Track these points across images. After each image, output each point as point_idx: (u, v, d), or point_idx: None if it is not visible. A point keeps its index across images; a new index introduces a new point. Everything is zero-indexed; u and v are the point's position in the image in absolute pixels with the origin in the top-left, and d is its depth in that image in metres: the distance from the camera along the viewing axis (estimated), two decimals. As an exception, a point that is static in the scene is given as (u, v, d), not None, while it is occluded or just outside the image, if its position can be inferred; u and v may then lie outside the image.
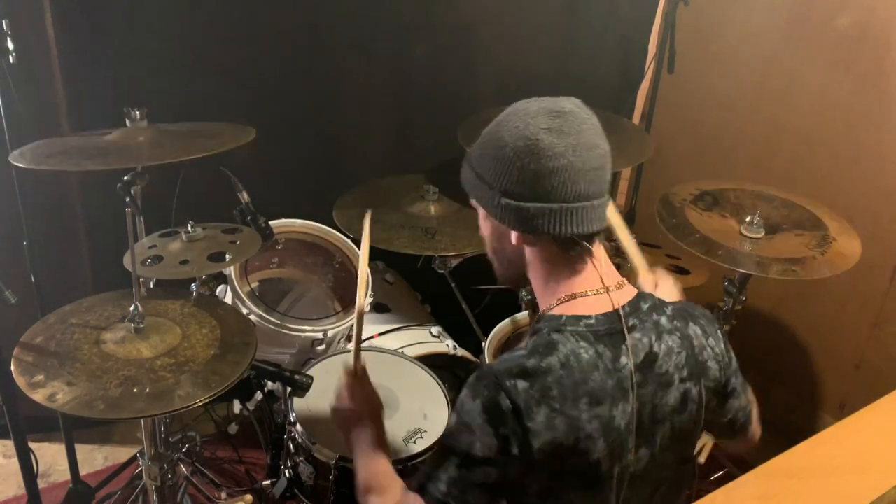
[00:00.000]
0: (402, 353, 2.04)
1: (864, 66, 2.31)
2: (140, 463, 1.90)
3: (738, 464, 2.30)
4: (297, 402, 1.79)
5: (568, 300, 1.11)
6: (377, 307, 2.34)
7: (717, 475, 2.27)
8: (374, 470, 1.23)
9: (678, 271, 2.15)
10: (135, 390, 1.38)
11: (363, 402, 1.34)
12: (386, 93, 2.56)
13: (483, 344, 2.14)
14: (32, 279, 1.81)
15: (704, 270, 2.19)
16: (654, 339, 1.10)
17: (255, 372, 1.74)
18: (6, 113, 1.61)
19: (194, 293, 1.81)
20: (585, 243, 1.10)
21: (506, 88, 2.65)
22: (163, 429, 1.82)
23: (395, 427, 1.74)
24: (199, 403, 1.39)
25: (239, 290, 2.05)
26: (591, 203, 1.06)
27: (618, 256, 2.22)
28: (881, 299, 2.38)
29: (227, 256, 1.73)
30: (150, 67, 2.13)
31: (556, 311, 1.11)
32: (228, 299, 2.09)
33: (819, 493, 1.15)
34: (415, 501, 1.08)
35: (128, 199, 1.64)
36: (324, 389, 1.85)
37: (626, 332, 1.07)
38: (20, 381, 1.37)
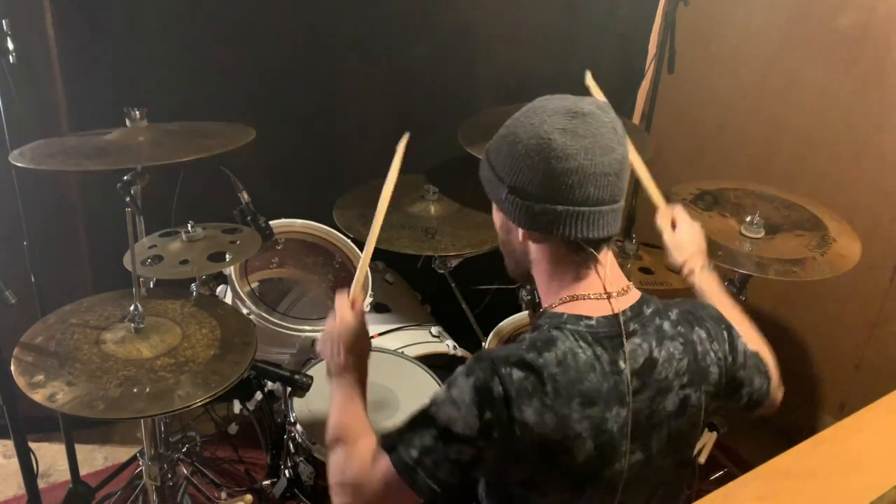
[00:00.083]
0: (402, 353, 2.04)
1: (864, 66, 2.31)
2: (140, 463, 1.90)
3: (738, 464, 2.30)
4: (297, 402, 1.80)
5: (570, 300, 1.11)
6: (377, 307, 2.34)
7: (717, 475, 2.27)
8: (350, 415, 1.19)
9: (678, 271, 2.15)
10: (135, 390, 1.38)
11: (353, 335, 1.25)
12: (386, 93, 2.56)
13: (483, 344, 2.14)
14: (32, 279, 1.81)
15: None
16: (654, 344, 1.09)
17: (255, 372, 1.74)
18: (6, 113, 1.61)
19: (194, 293, 1.81)
20: (591, 249, 1.08)
21: (506, 88, 2.65)
22: (163, 429, 1.82)
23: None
24: (199, 403, 1.39)
25: (239, 289, 2.05)
26: (599, 209, 1.04)
27: (619, 256, 2.23)
28: (881, 299, 2.38)
29: (227, 256, 1.73)
30: (150, 67, 2.13)
31: (558, 309, 1.11)
32: (228, 299, 2.09)
33: (819, 493, 1.15)
34: (382, 463, 1.05)
35: (128, 199, 1.64)
36: (324, 390, 1.86)
37: (624, 337, 1.07)
38: (20, 381, 1.37)
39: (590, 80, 1.35)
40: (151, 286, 1.79)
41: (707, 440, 1.99)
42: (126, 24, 2.12)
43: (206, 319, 1.62)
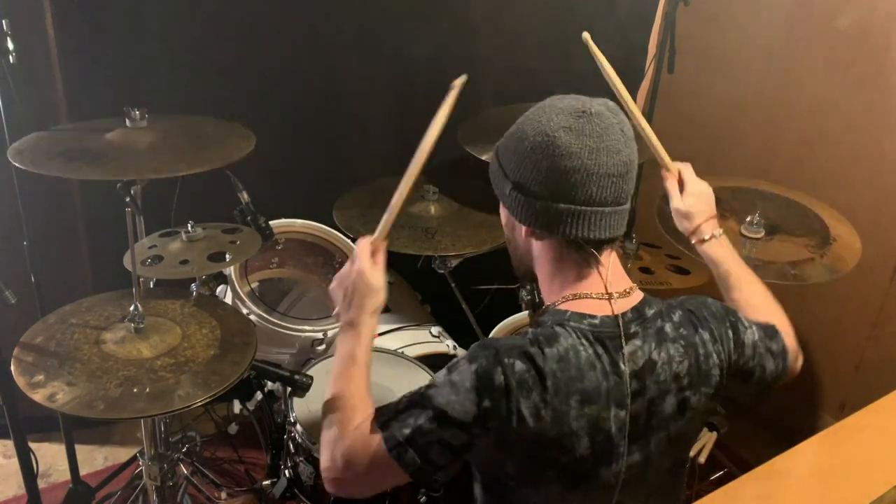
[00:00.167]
0: (402, 353, 2.04)
1: (863, 66, 2.31)
2: (140, 463, 1.90)
3: (738, 464, 2.30)
4: (297, 402, 1.79)
5: (573, 299, 1.11)
6: (377, 307, 2.34)
7: (717, 475, 2.27)
8: (349, 385, 1.16)
9: (678, 271, 2.15)
10: (135, 390, 1.38)
11: (367, 288, 1.18)
12: (386, 93, 2.56)
13: (483, 344, 2.14)
14: (32, 279, 1.81)
15: (705, 270, 2.18)
16: (653, 346, 1.09)
17: (255, 372, 1.74)
18: (6, 113, 1.61)
19: (194, 293, 1.81)
20: (592, 249, 1.08)
21: (506, 88, 2.65)
22: (163, 429, 1.83)
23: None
24: (199, 403, 1.39)
25: (239, 289, 2.05)
26: (601, 210, 1.04)
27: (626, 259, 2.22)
28: (881, 299, 2.38)
29: (227, 256, 1.73)
30: (150, 67, 2.13)
31: (562, 307, 1.10)
32: (228, 299, 2.09)
33: (819, 493, 1.15)
34: (374, 439, 1.05)
35: (128, 199, 1.65)
36: (324, 389, 1.85)
37: (623, 339, 1.07)
38: (20, 381, 1.37)
39: (589, 42, 1.35)
40: (151, 286, 1.79)
41: (707, 440, 1.99)
42: (126, 24, 2.12)
43: (206, 319, 1.62)
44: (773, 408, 2.62)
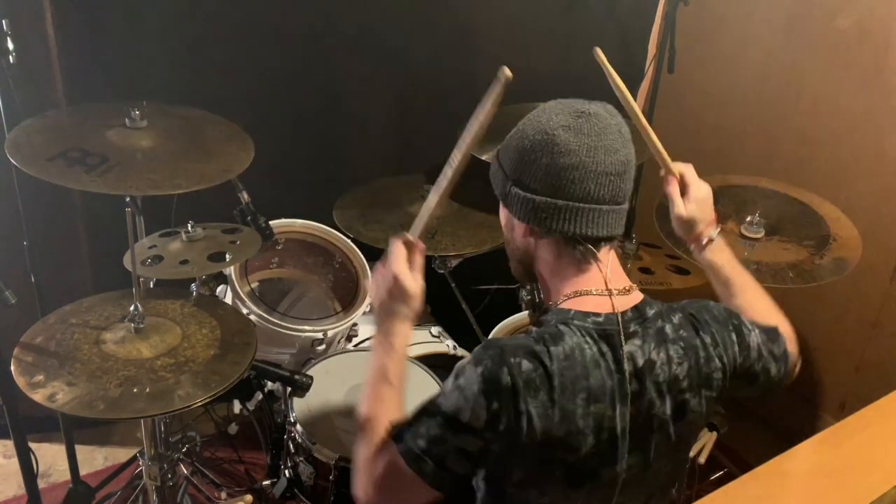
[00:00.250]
0: (402, 353, 2.04)
1: (863, 66, 2.31)
2: (140, 463, 1.90)
3: (738, 464, 2.30)
4: (297, 402, 1.79)
5: (574, 296, 1.11)
6: (377, 307, 2.34)
7: (717, 475, 2.27)
8: (384, 406, 1.12)
9: (678, 271, 2.15)
10: (135, 390, 1.38)
11: (404, 291, 1.15)
12: (386, 93, 2.56)
13: (483, 344, 2.14)
14: (32, 279, 1.81)
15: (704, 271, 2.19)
16: (653, 346, 1.09)
17: (255, 372, 1.74)
18: (6, 113, 1.61)
19: (194, 293, 1.81)
20: (590, 246, 1.09)
21: (506, 88, 2.65)
22: (163, 429, 1.82)
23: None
24: (199, 403, 1.39)
25: (239, 289, 2.05)
26: (599, 207, 1.06)
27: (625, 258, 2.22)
28: (881, 299, 2.38)
29: (227, 256, 1.73)
30: (149, 68, 2.13)
31: (564, 305, 1.11)
32: (228, 299, 2.09)
33: (819, 493, 1.15)
34: (391, 451, 1.04)
35: (128, 200, 1.64)
36: (324, 389, 1.86)
37: (622, 337, 1.07)
38: (20, 381, 1.37)
39: (600, 56, 1.33)
40: (151, 286, 1.79)
41: (707, 440, 1.99)
42: (126, 24, 2.12)
43: (206, 319, 1.62)
44: (773, 408, 2.62)
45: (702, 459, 2.01)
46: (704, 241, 1.34)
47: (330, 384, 1.88)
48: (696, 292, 1.86)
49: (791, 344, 1.27)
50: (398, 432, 1.05)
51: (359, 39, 2.41)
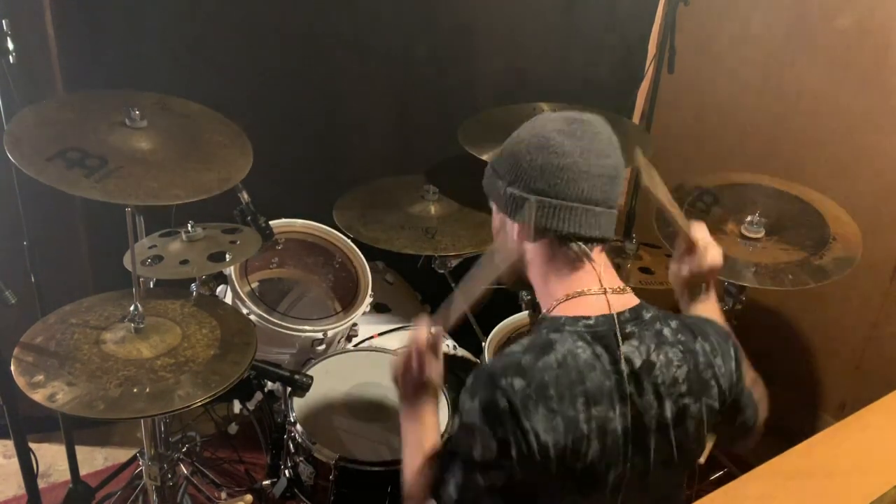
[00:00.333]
0: (402, 353, 2.04)
1: (864, 66, 2.31)
2: (140, 463, 1.90)
3: (738, 464, 2.30)
4: (297, 402, 1.79)
5: (567, 299, 1.11)
6: (377, 307, 2.34)
7: (717, 475, 2.27)
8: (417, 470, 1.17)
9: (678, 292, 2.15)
10: (135, 390, 1.38)
11: (424, 382, 1.21)
12: (386, 93, 2.56)
13: (483, 344, 2.14)
14: (32, 279, 1.81)
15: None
16: (652, 347, 1.09)
17: (255, 372, 1.74)
18: (6, 113, 1.61)
19: (194, 293, 1.81)
20: (584, 246, 1.11)
21: (506, 88, 2.65)
22: (163, 429, 1.82)
23: (395, 427, 1.74)
24: (199, 403, 1.39)
25: (239, 290, 2.05)
26: (592, 208, 1.09)
27: (619, 256, 2.22)
28: (881, 299, 2.38)
29: (228, 256, 1.73)
30: (149, 68, 2.13)
31: (557, 312, 1.11)
32: (228, 299, 2.09)
33: (819, 493, 1.15)
34: None
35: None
36: (324, 389, 1.86)
37: (619, 337, 1.07)
38: (20, 381, 1.37)
39: (641, 159, 1.34)
40: (151, 286, 1.79)
41: (707, 440, 1.99)
42: (126, 24, 2.12)
43: (206, 319, 1.62)
44: (773, 408, 2.62)
45: (702, 459, 2.01)
46: (696, 296, 1.32)
47: (330, 384, 1.88)
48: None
49: (763, 402, 1.26)
50: (433, 490, 1.09)
51: (359, 39, 2.41)
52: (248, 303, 2.03)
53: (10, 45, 1.54)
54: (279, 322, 2.04)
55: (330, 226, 2.25)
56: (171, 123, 1.80)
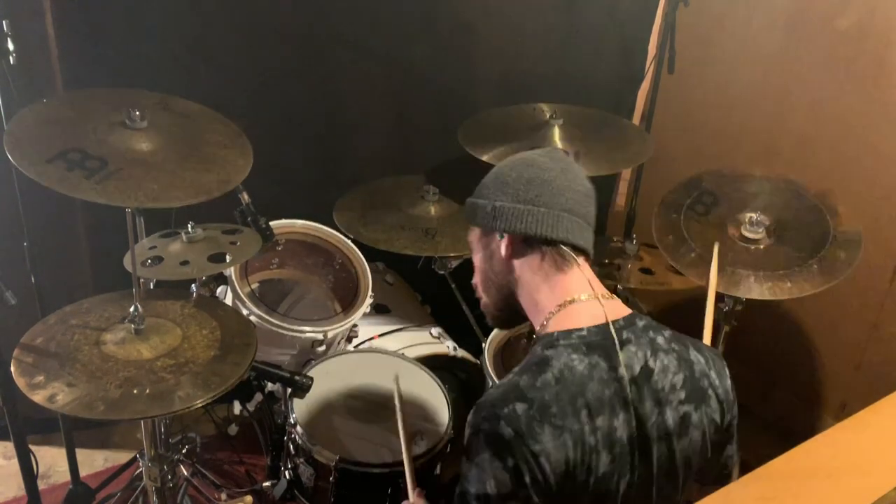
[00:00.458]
0: (403, 354, 2.04)
1: (864, 66, 2.31)
2: (140, 464, 1.90)
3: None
4: (298, 403, 1.79)
5: (559, 310, 1.12)
6: (377, 308, 2.34)
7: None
8: None
9: (678, 272, 2.15)
10: (135, 391, 1.38)
11: None
12: (386, 93, 2.56)
13: (483, 345, 2.14)
14: (32, 280, 1.81)
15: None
16: (648, 354, 1.09)
17: (255, 373, 1.74)
18: (6, 113, 1.61)
19: (194, 294, 1.80)
20: (572, 252, 1.14)
21: (506, 88, 2.65)
22: (163, 430, 1.82)
23: (395, 428, 1.74)
24: (200, 404, 1.39)
25: (239, 290, 2.05)
26: (576, 219, 1.15)
27: (619, 257, 2.22)
28: (881, 299, 2.38)
29: (228, 257, 1.73)
30: (150, 68, 2.13)
31: (550, 328, 1.12)
32: (229, 300, 2.09)
33: (819, 494, 1.15)
34: None
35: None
36: (324, 390, 1.85)
37: (617, 344, 1.07)
38: (20, 383, 1.36)
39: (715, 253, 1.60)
40: (151, 287, 1.79)
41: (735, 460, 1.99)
42: (126, 24, 2.12)
43: (207, 320, 1.62)
44: (773, 408, 2.62)
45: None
46: None
47: (330, 385, 1.88)
48: (697, 292, 1.86)
49: (737, 461, 1.27)
50: None
51: (359, 39, 2.41)
52: (249, 304, 2.03)
53: (11, 46, 1.54)
54: (279, 323, 2.04)
55: (330, 226, 2.25)
56: (171, 124, 1.79)
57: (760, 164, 2.62)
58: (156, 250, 1.73)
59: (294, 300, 2.28)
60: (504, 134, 2.18)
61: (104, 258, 1.94)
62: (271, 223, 1.93)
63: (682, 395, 1.10)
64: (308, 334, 2.06)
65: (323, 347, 2.11)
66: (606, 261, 2.19)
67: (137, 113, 1.70)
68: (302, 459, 1.74)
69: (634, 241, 2.25)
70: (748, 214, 1.95)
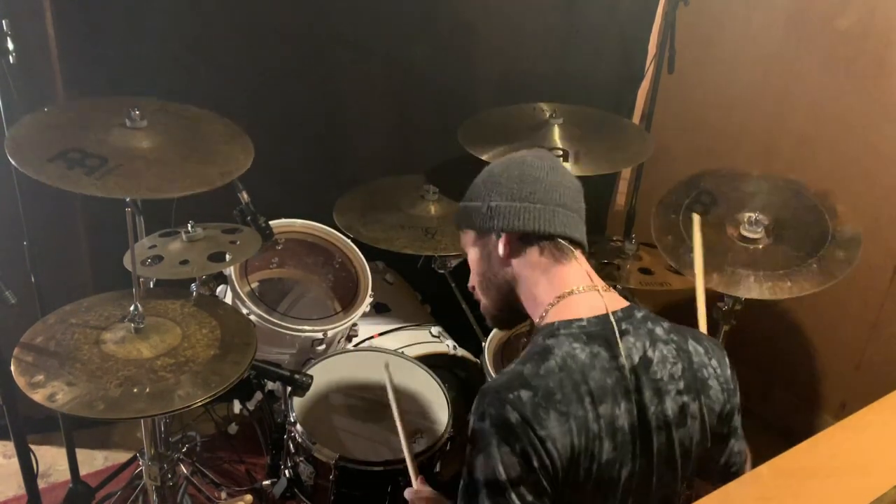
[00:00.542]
0: (403, 353, 2.04)
1: (864, 66, 2.31)
2: (140, 463, 1.90)
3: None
4: (298, 402, 1.79)
5: (558, 301, 1.12)
6: (377, 307, 2.34)
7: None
8: None
9: (678, 271, 2.15)
10: (135, 390, 1.38)
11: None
12: (386, 93, 2.56)
13: (483, 344, 2.14)
14: (32, 279, 1.81)
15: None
16: (647, 344, 1.10)
17: (255, 372, 1.74)
18: (6, 113, 1.61)
19: (194, 293, 1.81)
20: (569, 245, 1.15)
21: (506, 88, 2.65)
22: (163, 429, 1.82)
23: (395, 427, 1.74)
24: (199, 403, 1.39)
25: (239, 290, 2.05)
26: (570, 213, 1.16)
27: (618, 256, 2.22)
28: (881, 299, 2.38)
29: (227, 256, 1.73)
30: (149, 68, 2.13)
31: (549, 319, 1.12)
32: (228, 299, 2.09)
33: (819, 493, 1.15)
34: None
35: (128, 200, 1.64)
36: (324, 389, 1.86)
37: (618, 334, 1.08)
38: (20, 382, 1.36)
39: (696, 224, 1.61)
40: (151, 286, 1.79)
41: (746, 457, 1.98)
42: (126, 24, 2.12)
43: (206, 319, 1.62)
44: (773, 408, 2.62)
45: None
46: None
47: (330, 384, 1.88)
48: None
49: (748, 460, 1.28)
50: None
51: (359, 39, 2.41)
52: (248, 303, 2.03)
53: (10, 45, 1.54)
54: (279, 322, 2.04)
55: (330, 226, 2.25)
56: (171, 123, 1.80)
57: (760, 164, 2.63)
58: (156, 249, 1.74)
59: (294, 299, 2.29)
60: (504, 134, 2.18)
61: (104, 257, 1.94)
62: (271, 222, 1.93)
63: (681, 384, 1.11)
64: (308, 333, 2.06)
65: (323, 346, 2.11)
66: (606, 261, 2.19)
67: (137, 112, 1.70)
68: (302, 458, 1.74)
69: (634, 241, 2.25)
70: (747, 214, 1.95)
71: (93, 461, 2.38)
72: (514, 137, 2.16)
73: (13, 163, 1.52)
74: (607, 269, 2.15)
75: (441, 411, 1.83)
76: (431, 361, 2.02)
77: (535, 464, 1.00)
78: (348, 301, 2.21)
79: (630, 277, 2.12)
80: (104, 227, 2.03)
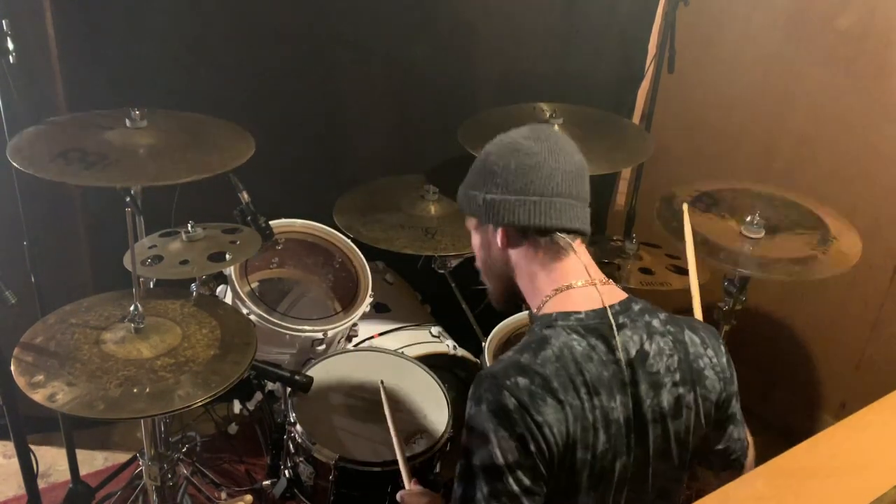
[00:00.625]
0: (402, 353, 2.04)
1: (864, 66, 2.31)
2: (140, 463, 1.90)
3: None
4: (297, 402, 1.79)
5: (556, 294, 1.13)
6: (377, 307, 2.34)
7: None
8: None
9: (678, 271, 2.15)
10: (135, 390, 1.38)
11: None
12: (386, 93, 2.56)
13: (483, 344, 2.14)
14: (32, 279, 1.81)
15: (705, 270, 2.19)
16: (644, 337, 1.11)
17: (255, 372, 1.74)
18: (6, 113, 1.61)
19: (194, 293, 1.80)
20: (567, 238, 1.14)
21: (506, 88, 2.65)
22: (163, 429, 1.82)
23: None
24: (199, 403, 1.39)
25: (239, 290, 2.05)
26: (567, 201, 1.13)
27: (619, 256, 2.22)
28: (881, 299, 2.38)
29: (227, 256, 1.73)
30: (149, 68, 2.13)
31: (547, 310, 1.13)
32: (228, 299, 2.09)
33: (819, 493, 1.15)
34: None
35: (128, 200, 1.65)
36: (324, 389, 1.86)
37: (615, 328, 1.08)
38: (20, 381, 1.37)
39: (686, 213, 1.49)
40: (151, 286, 1.79)
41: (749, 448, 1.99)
42: (126, 24, 2.12)
43: (206, 319, 1.62)
44: (773, 408, 2.62)
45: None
46: None
47: (330, 384, 1.88)
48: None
49: (750, 447, 1.28)
50: None
51: (359, 39, 2.41)
52: (248, 303, 2.03)
53: (10, 45, 1.54)
54: (279, 322, 2.04)
55: (330, 226, 2.25)
56: (170, 123, 1.80)
57: (760, 164, 2.63)
58: (156, 249, 1.74)
59: (294, 299, 2.29)
60: (501, 132, 2.18)
61: (104, 257, 1.94)
62: (271, 222, 1.93)
63: (677, 376, 1.11)
64: (308, 333, 2.06)
65: (323, 346, 2.11)
66: (606, 260, 2.19)
67: (137, 112, 1.71)
68: (302, 458, 1.74)
69: (634, 241, 2.25)
70: (747, 216, 1.95)
71: (93, 461, 2.38)
72: (514, 137, 2.16)
73: (13, 164, 1.52)
74: (608, 269, 2.15)
75: (441, 411, 1.83)
76: (431, 361, 2.02)
77: (532, 448, 1.00)
78: (348, 301, 2.21)
79: (630, 277, 2.12)
80: (104, 227, 2.03)
